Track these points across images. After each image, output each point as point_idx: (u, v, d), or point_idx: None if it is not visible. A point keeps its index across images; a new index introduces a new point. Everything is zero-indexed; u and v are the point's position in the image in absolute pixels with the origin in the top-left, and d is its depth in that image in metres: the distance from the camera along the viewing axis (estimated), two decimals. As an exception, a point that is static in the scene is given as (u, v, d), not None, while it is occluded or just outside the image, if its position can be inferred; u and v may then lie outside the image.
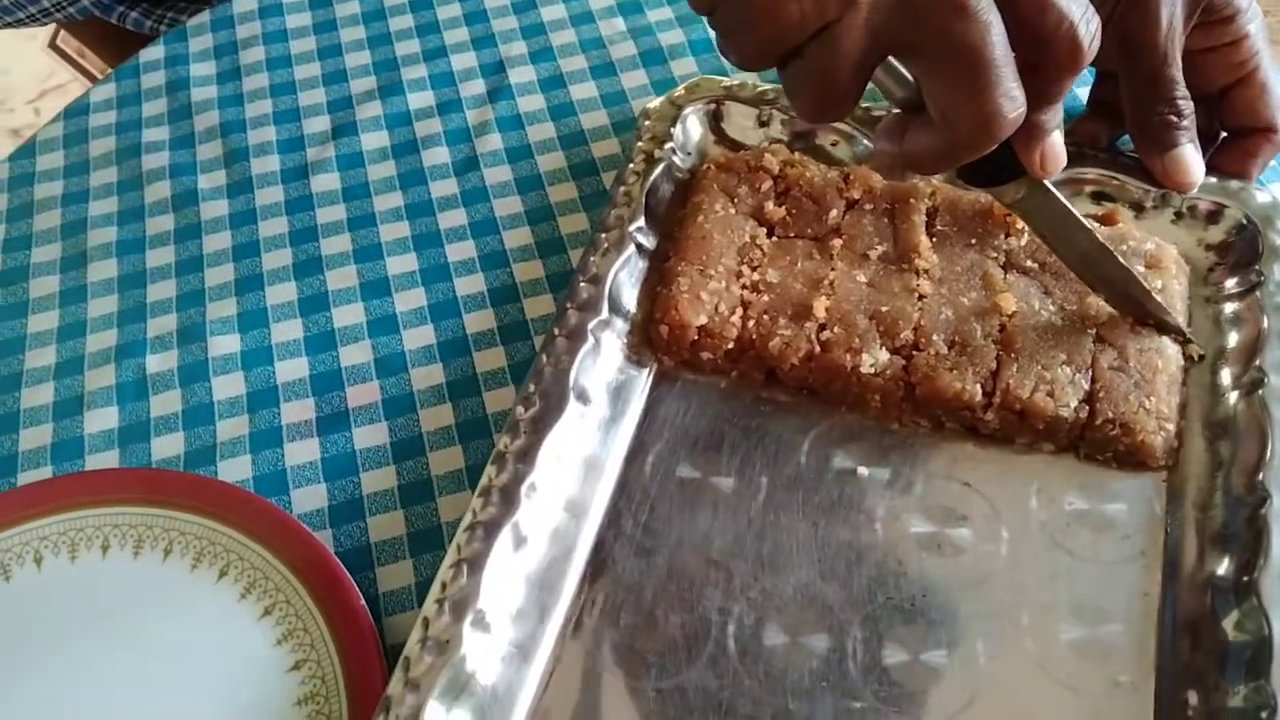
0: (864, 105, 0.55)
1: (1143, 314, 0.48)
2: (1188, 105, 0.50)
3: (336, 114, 0.62)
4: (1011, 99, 0.35)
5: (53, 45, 0.95)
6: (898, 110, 0.40)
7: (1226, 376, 0.48)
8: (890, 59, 0.37)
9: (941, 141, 0.37)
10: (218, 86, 0.64)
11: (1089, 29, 0.36)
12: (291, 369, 0.52)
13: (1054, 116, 0.39)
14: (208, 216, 0.58)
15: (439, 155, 0.60)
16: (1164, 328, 0.48)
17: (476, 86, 0.63)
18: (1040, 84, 0.37)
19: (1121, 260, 0.47)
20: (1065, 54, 0.36)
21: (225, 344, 0.53)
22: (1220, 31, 0.50)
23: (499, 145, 0.60)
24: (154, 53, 0.67)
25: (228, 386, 0.52)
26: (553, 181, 0.58)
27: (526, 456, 0.44)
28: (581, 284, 0.49)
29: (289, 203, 0.58)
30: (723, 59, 0.43)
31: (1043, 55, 0.36)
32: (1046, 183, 0.43)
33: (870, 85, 0.38)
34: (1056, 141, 0.40)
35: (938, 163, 0.38)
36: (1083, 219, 0.46)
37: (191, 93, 0.64)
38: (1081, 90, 0.57)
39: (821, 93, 0.36)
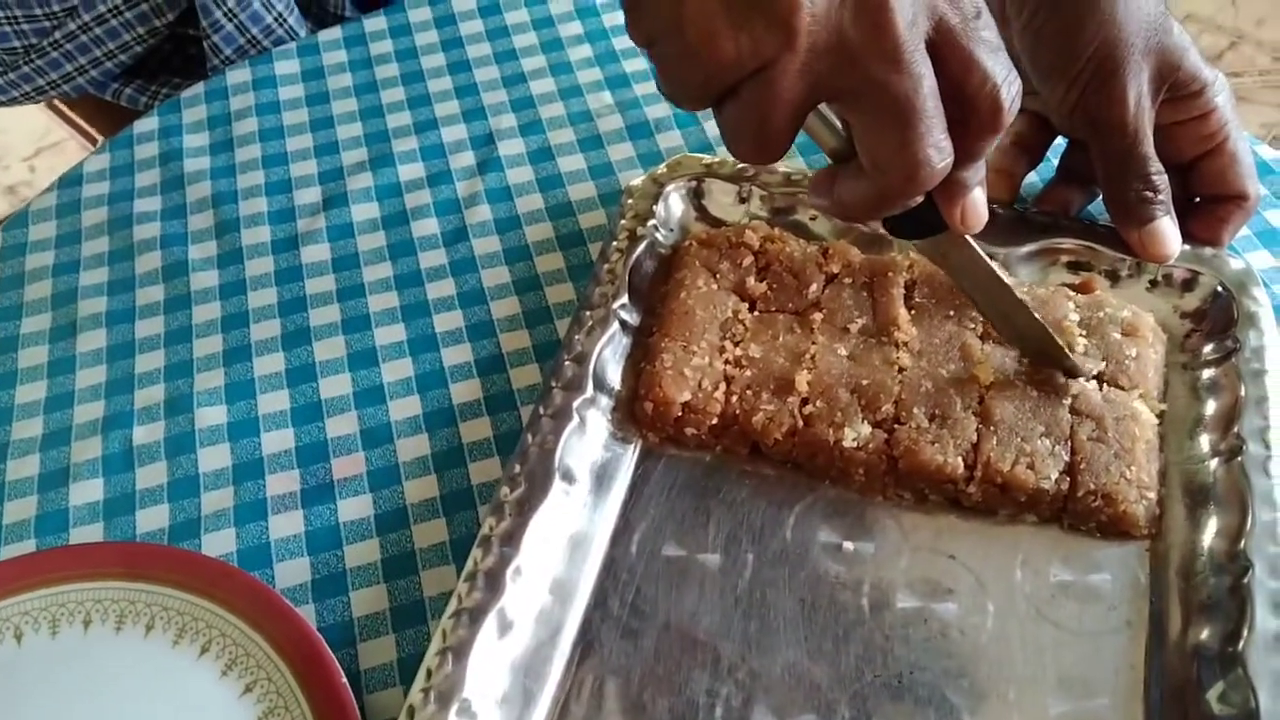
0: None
1: (1056, 366, 0.48)
2: (1162, 180, 0.51)
3: (328, 185, 0.63)
4: (939, 150, 0.36)
5: (49, 104, 0.96)
6: (830, 163, 0.40)
7: (1205, 443, 0.48)
8: (824, 105, 0.37)
9: (871, 189, 0.37)
10: (210, 157, 0.65)
11: (1010, 91, 0.37)
12: (278, 440, 0.52)
13: (975, 174, 0.40)
14: (197, 287, 0.59)
15: (428, 226, 0.61)
16: (1074, 374, 0.48)
17: (466, 158, 0.64)
18: (963, 141, 0.38)
19: (1036, 315, 0.47)
20: (987, 114, 0.37)
21: (212, 415, 0.53)
22: (1188, 105, 0.51)
23: (488, 216, 0.61)
24: (148, 124, 0.68)
25: (214, 458, 0.52)
26: (540, 252, 0.59)
27: (512, 539, 0.44)
28: (566, 362, 0.50)
29: (278, 273, 0.59)
30: (663, 97, 0.42)
31: (966, 113, 0.37)
32: (968, 238, 0.43)
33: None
34: (978, 198, 0.40)
35: (867, 211, 0.39)
36: (1002, 274, 0.46)
37: (184, 164, 0.65)
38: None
39: (757, 134, 0.36)
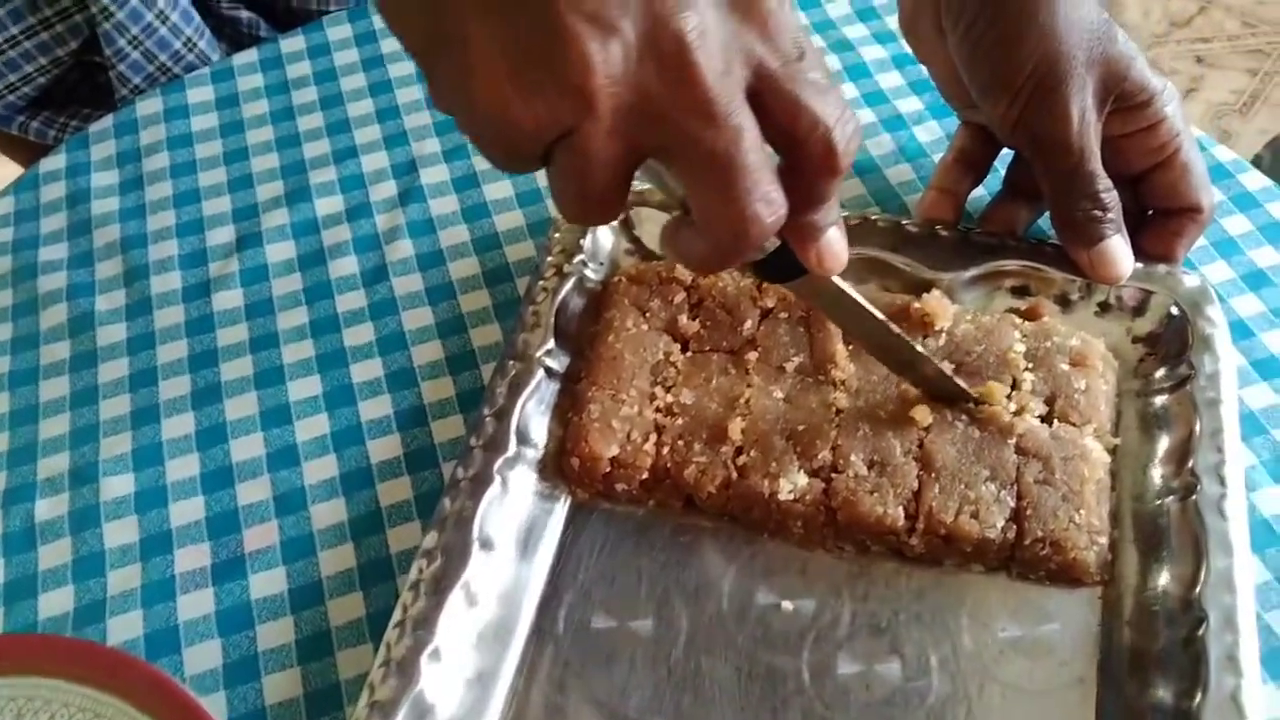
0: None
1: (943, 393, 0.47)
2: (1111, 197, 0.48)
3: (241, 224, 0.60)
4: (768, 203, 0.33)
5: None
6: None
7: (1158, 479, 0.46)
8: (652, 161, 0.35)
9: (706, 246, 0.35)
10: (119, 197, 0.62)
11: (845, 131, 0.35)
12: (187, 510, 0.49)
13: (826, 214, 0.37)
14: (104, 342, 0.56)
15: (347, 265, 0.58)
16: (964, 398, 0.47)
17: (388, 189, 0.61)
18: (804, 187, 0.36)
19: (916, 345, 0.46)
20: (820, 158, 0.35)
21: (118, 485, 0.50)
22: (1137, 116, 0.49)
23: (409, 252, 0.58)
24: (54, 162, 0.64)
25: (120, 533, 0.49)
26: (465, 290, 0.56)
27: (427, 622, 0.41)
28: (487, 418, 0.47)
29: (189, 324, 0.56)
30: None
31: (799, 160, 0.35)
32: (835, 278, 0.41)
33: None
34: (833, 239, 0.38)
35: (708, 265, 0.37)
36: (872, 309, 0.44)
37: (92, 205, 0.62)
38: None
39: (579, 197, 0.34)
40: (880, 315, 0.44)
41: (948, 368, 0.47)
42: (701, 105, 0.32)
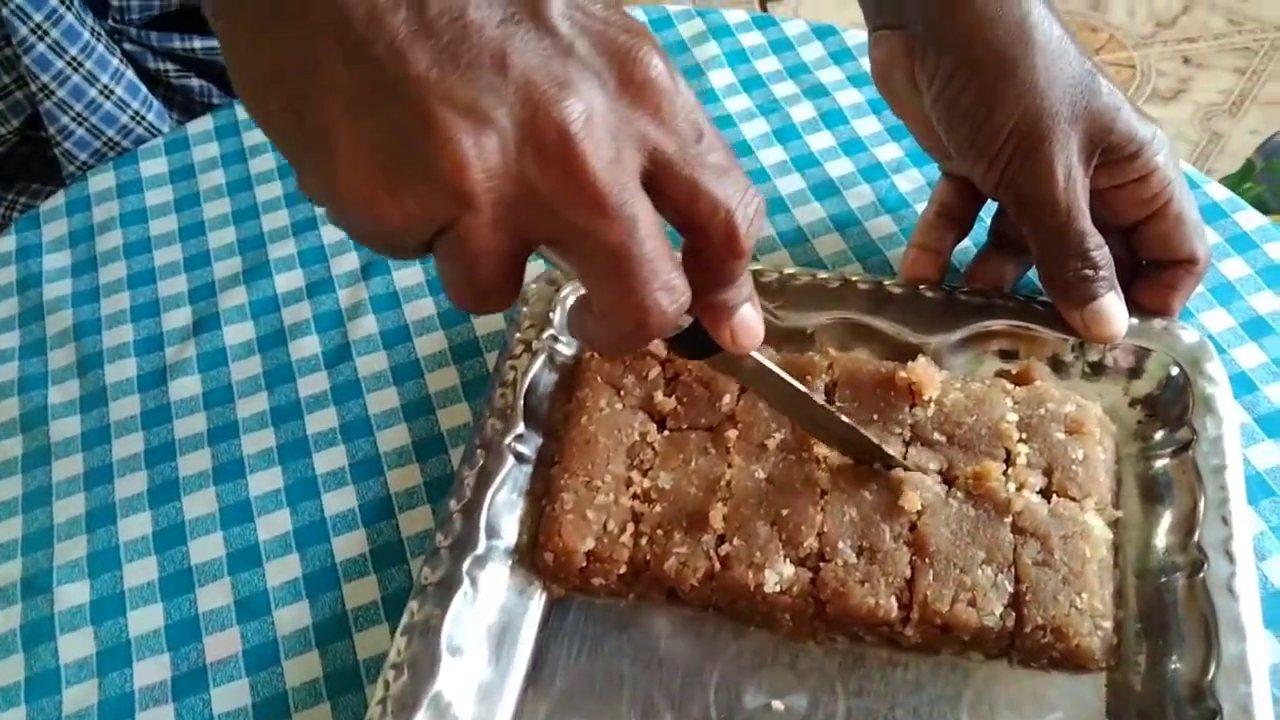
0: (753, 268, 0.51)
1: (875, 460, 0.45)
2: (1102, 254, 0.46)
3: (198, 304, 0.58)
4: (668, 291, 0.32)
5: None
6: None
7: (1162, 552, 0.43)
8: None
9: (608, 333, 0.34)
10: (72, 280, 0.60)
11: (747, 213, 0.33)
12: (145, 619, 0.47)
13: (737, 294, 0.36)
14: (58, 438, 0.53)
15: (308, 346, 0.55)
16: (897, 466, 0.45)
17: (349, 261, 0.59)
18: (710, 269, 0.34)
19: (842, 417, 0.44)
20: (722, 242, 0.33)
21: (73, 594, 0.48)
22: (1126, 168, 0.46)
23: (373, 329, 0.55)
24: (4, 244, 0.62)
25: (75, 646, 0.47)
26: (432, 368, 0.54)
27: (389, 750, 0.39)
28: (455, 513, 0.45)
29: (145, 415, 0.54)
30: None
31: (701, 244, 0.33)
32: (753, 353, 0.39)
33: None
34: (745, 317, 0.36)
35: (613, 350, 0.35)
36: (793, 381, 0.43)
37: (44, 290, 0.59)
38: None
39: (467, 288, 0.32)
40: (801, 388, 0.43)
41: (902, 444, 0.46)
42: (590, 197, 0.30)
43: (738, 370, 0.42)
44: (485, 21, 0.30)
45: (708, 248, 0.34)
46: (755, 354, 0.40)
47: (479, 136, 0.29)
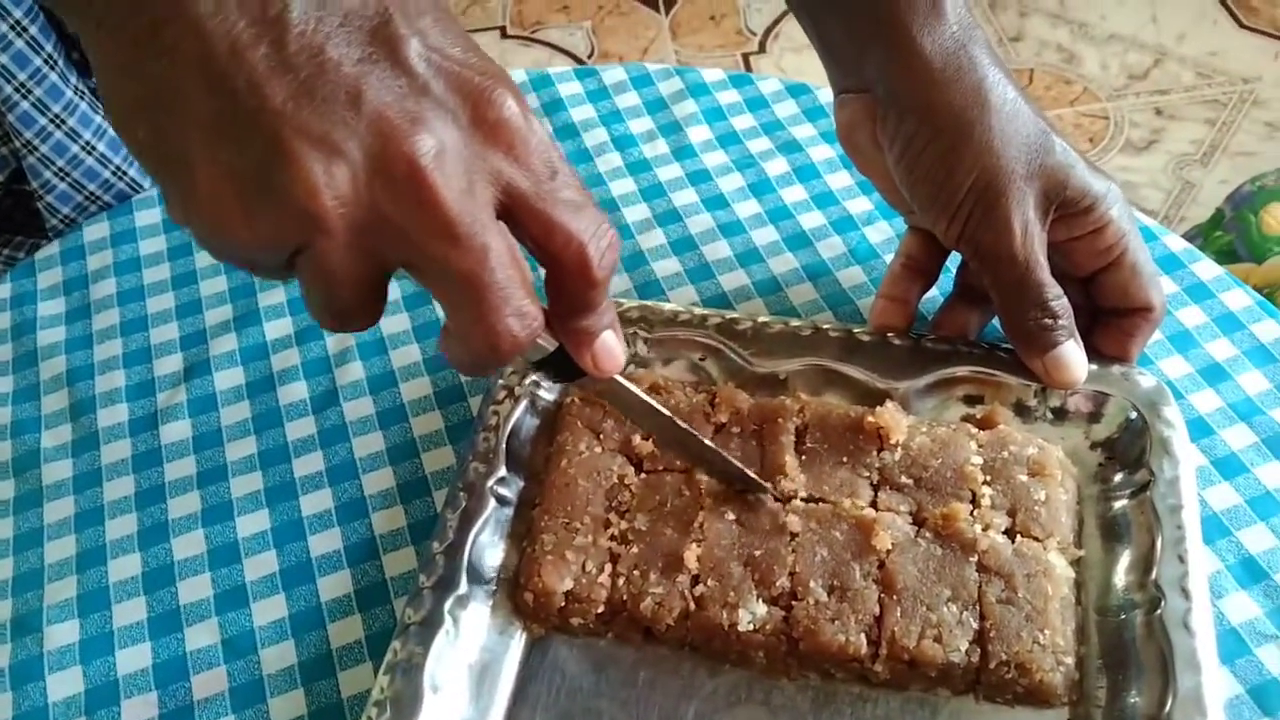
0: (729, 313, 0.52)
1: (746, 486, 0.47)
2: (1061, 304, 0.48)
3: (189, 351, 0.59)
4: (519, 316, 0.34)
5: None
6: None
7: (1121, 590, 0.45)
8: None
9: (463, 353, 0.35)
10: (66, 327, 0.61)
11: (599, 246, 0.35)
12: (133, 658, 0.48)
13: (598, 320, 0.38)
14: (50, 481, 0.54)
15: (296, 391, 0.57)
16: (759, 489, 0.47)
17: (337, 308, 0.60)
18: (569, 298, 0.37)
19: (707, 442, 0.47)
20: (576, 274, 0.35)
21: (63, 634, 0.49)
22: (1082, 221, 0.48)
23: (360, 375, 0.57)
24: (0, 291, 0.63)
25: (64, 684, 0.47)
26: (417, 412, 0.55)
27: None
28: (437, 555, 0.46)
29: (136, 458, 0.55)
30: None
31: (557, 274, 0.36)
32: (618, 378, 0.42)
33: None
34: (606, 343, 0.39)
35: (472, 371, 0.37)
36: (657, 405, 0.45)
37: (38, 336, 0.61)
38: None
39: (327, 308, 0.34)
40: (666, 411, 0.45)
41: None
42: (442, 227, 0.32)
43: (604, 394, 0.44)
44: (343, 59, 0.32)
45: (563, 278, 0.36)
46: (620, 379, 0.42)
47: (330, 165, 0.31)
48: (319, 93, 0.31)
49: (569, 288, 0.36)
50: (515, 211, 0.34)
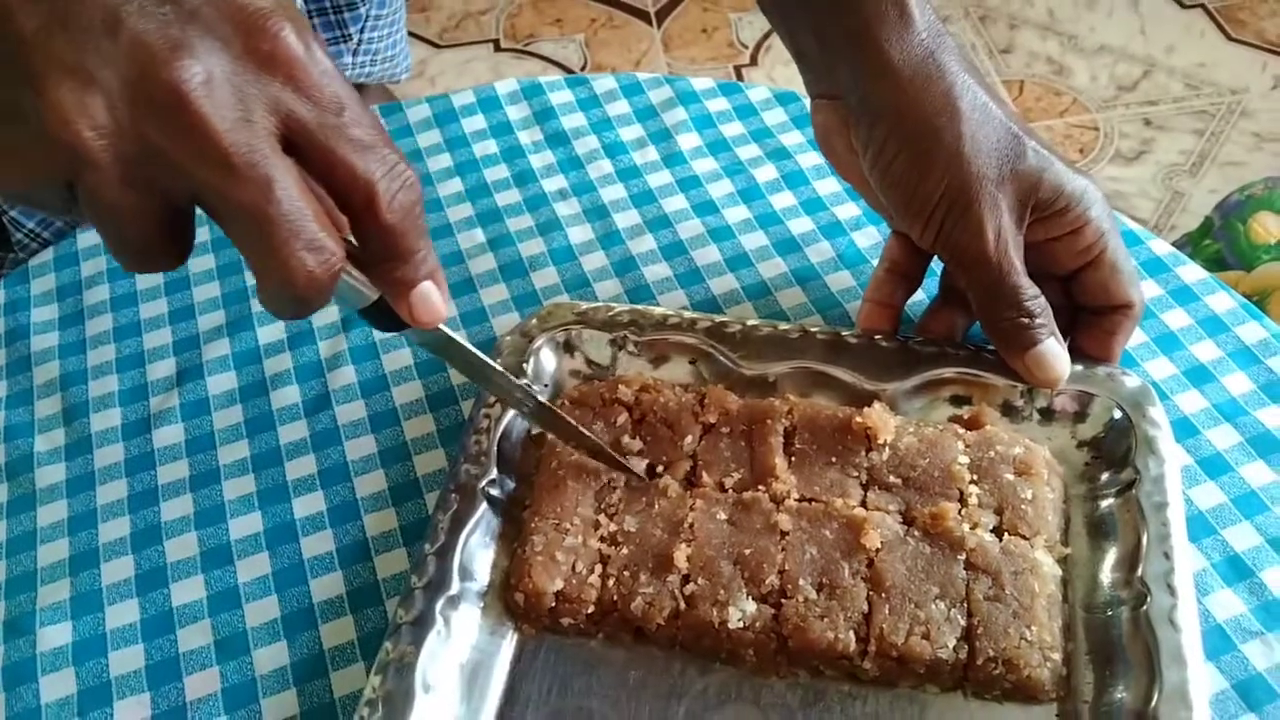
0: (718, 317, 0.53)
1: (601, 458, 0.48)
2: (1038, 304, 0.49)
3: (182, 356, 0.59)
4: (314, 250, 0.33)
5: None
6: None
7: (1108, 587, 0.45)
8: None
9: (268, 295, 0.35)
10: (59, 333, 0.61)
11: (390, 186, 0.35)
12: (126, 660, 0.48)
13: (413, 270, 0.37)
14: (43, 484, 0.55)
15: (289, 395, 0.57)
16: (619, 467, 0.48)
17: (330, 313, 0.60)
18: (372, 242, 0.36)
19: (541, 400, 0.47)
20: (363, 213, 0.35)
21: (56, 635, 0.49)
22: (1059, 222, 0.49)
23: (352, 379, 0.57)
24: (-6, 297, 0.64)
25: (57, 686, 0.48)
26: (409, 415, 0.56)
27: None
28: (429, 556, 0.46)
29: (129, 462, 0.55)
30: None
31: (350, 215, 0.35)
32: (443, 328, 0.41)
33: None
34: (422, 292, 0.38)
35: (281, 313, 0.36)
36: (489, 361, 0.45)
37: (31, 341, 0.61)
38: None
39: (119, 247, 0.33)
40: (498, 367, 0.45)
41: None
42: (216, 156, 0.31)
43: (432, 346, 0.43)
44: None
45: (356, 220, 0.35)
46: (448, 331, 0.41)
47: (84, 94, 0.30)
48: (73, 21, 0.30)
49: (365, 231, 0.35)
50: (299, 145, 0.33)
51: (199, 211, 0.34)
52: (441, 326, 0.41)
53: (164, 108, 0.31)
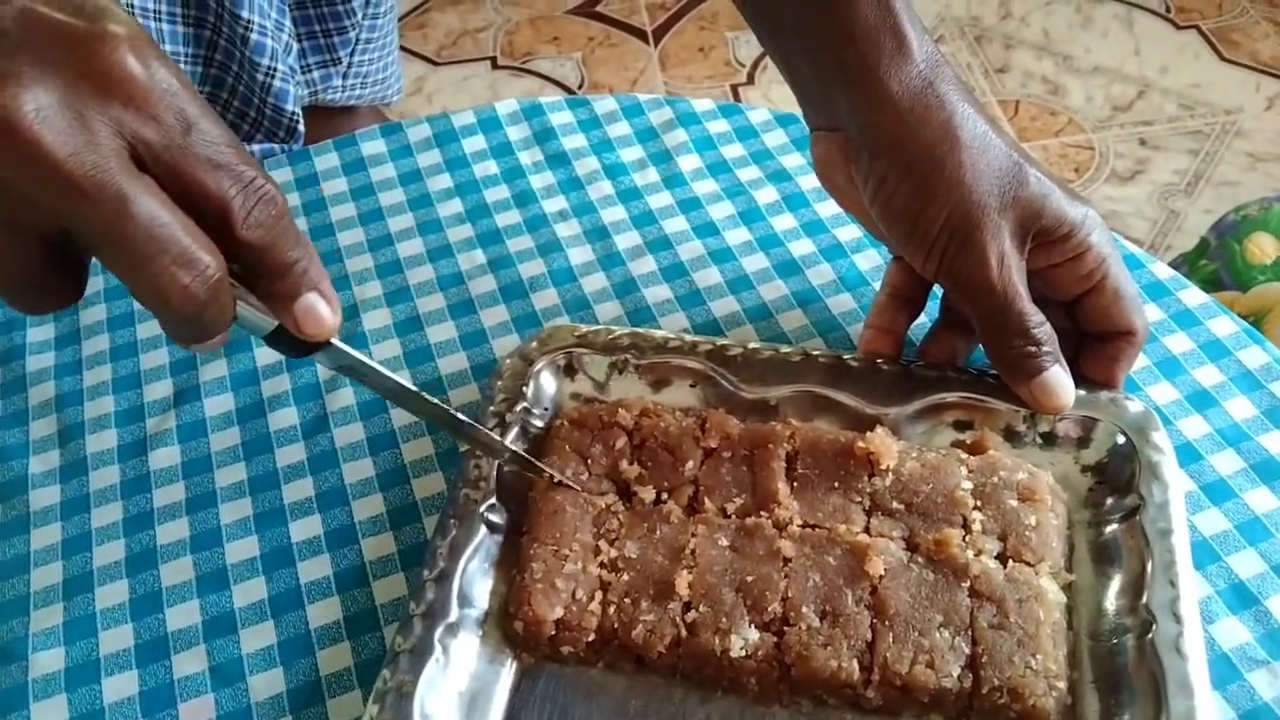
0: (717, 339, 0.53)
1: (511, 462, 0.48)
2: (1044, 331, 0.48)
3: (179, 376, 0.59)
4: (186, 265, 0.33)
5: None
6: None
7: (1114, 615, 0.45)
8: None
9: (160, 321, 0.34)
10: (55, 353, 0.61)
11: (244, 203, 0.34)
12: (119, 686, 0.47)
13: (294, 282, 0.37)
14: (37, 506, 0.54)
15: (286, 417, 0.57)
16: (533, 470, 0.48)
17: (328, 334, 0.60)
18: (246, 259, 0.35)
19: (454, 413, 0.47)
20: (221, 230, 0.34)
21: (48, 661, 0.48)
22: (1061, 248, 0.49)
23: (350, 401, 0.57)
24: (-11, 317, 0.63)
25: (49, 713, 0.47)
26: (407, 438, 0.55)
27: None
28: (428, 583, 0.46)
29: (124, 484, 0.54)
30: None
31: (211, 234, 0.34)
32: (346, 348, 0.41)
33: None
34: (305, 304, 0.38)
35: (184, 341, 0.36)
36: (400, 380, 0.44)
37: (27, 361, 0.61)
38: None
39: (1, 287, 0.33)
40: (411, 386, 0.45)
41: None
42: (63, 183, 0.31)
43: (344, 366, 0.42)
44: None
45: (215, 239, 0.34)
46: (342, 346, 0.41)
47: None
48: None
49: (230, 250, 0.35)
50: (149, 166, 0.33)
51: None
52: (343, 346, 0.40)
53: (2, 142, 0.30)
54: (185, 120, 0.34)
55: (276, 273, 0.37)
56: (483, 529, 0.48)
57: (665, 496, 0.49)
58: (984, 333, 0.49)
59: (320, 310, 0.38)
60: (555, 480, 0.48)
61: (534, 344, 0.54)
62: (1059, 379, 0.48)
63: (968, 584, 0.45)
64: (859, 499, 0.48)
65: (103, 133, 0.32)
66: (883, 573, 0.45)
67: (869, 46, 0.48)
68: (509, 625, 0.46)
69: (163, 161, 0.33)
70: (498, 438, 0.48)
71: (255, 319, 0.38)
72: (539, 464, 0.48)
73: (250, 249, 0.35)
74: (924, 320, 0.56)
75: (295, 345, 0.39)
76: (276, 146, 0.83)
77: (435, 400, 0.46)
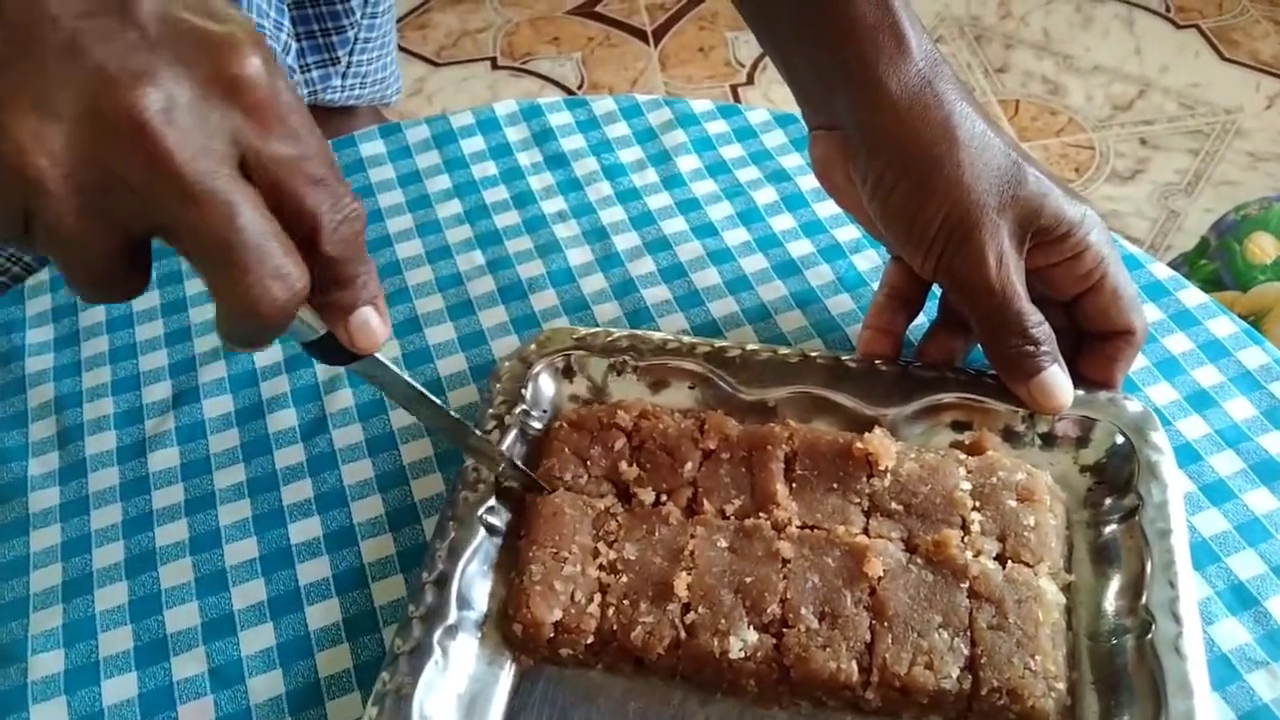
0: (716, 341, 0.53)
1: (522, 481, 0.48)
2: (1042, 331, 0.48)
3: (178, 378, 0.59)
4: (279, 278, 0.33)
5: None
6: None
7: (1113, 616, 0.45)
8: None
9: (230, 324, 0.34)
10: (54, 354, 0.61)
11: (333, 219, 0.35)
12: (119, 688, 0.47)
13: (354, 296, 0.38)
14: (36, 509, 0.54)
15: (285, 419, 0.57)
16: (538, 489, 0.48)
17: (327, 336, 0.60)
18: (320, 268, 0.36)
19: (475, 430, 0.47)
20: (307, 244, 0.35)
21: (47, 663, 0.48)
22: (1060, 248, 0.49)
23: (349, 402, 0.57)
24: (-12, 319, 0.63)
25: (48, 715, 0.47)
26: (406, 439, 0.55)
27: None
28: (427, 586, 0.46)
29: (124, 486, 0.54)
30: None
31: (298, 244, 0.35)
32: (380, 358, 0.41)
33: None
34: (362, 317, 0.38)
35: (244, 345, 0.36)
36: (429, 395, 0.45)
37: (26, 363, 0.61)
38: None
39: (74, 274, 0.33)
40: (437, 401, 0.45)
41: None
42: (178, 185, 0.31)
43: (373, 376, 0.43)
44: (62, 13, 0.31)
45: (304, 249, 0.35)
46: (384, 360, 0.41)
47: (40, 122, 0.30)
48: (34, 47, 0.30)
49: (309, 260, 0.35)
50: (254, 175, 0.33)
51: None
52: (384, 359, 0.41)
53: (124, 136, 0.31)
54: (295, 134, 0.34)
55: (340, 284, 0.37)
56: (482, 531, 0.48)
57: (664, 498, 0.49)
58: (982, 332, 0.49)
59: (373, 324, 0.38)
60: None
61: (532, 346, 0.54)
62: (1057, 379, 0.48)
63: (967, 585, 0.45)
64: (858, 500, 0.48)
65: (220, 140, 0.32)
66: (881, 574, 0.45)
67: (868, 45, 0.48)
68: (508, 627, 0.46)
69: (269, 173, 0.34)
70: (528, 471, 0.48)
71: (304, 326, 0.38)
72: (532, 476, 0.48)
73: (327, 262, 0.36)
74: (922, 321, 0.56)
75: (335, 353, 0.39)
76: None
77: (470, 426, 0.47)
